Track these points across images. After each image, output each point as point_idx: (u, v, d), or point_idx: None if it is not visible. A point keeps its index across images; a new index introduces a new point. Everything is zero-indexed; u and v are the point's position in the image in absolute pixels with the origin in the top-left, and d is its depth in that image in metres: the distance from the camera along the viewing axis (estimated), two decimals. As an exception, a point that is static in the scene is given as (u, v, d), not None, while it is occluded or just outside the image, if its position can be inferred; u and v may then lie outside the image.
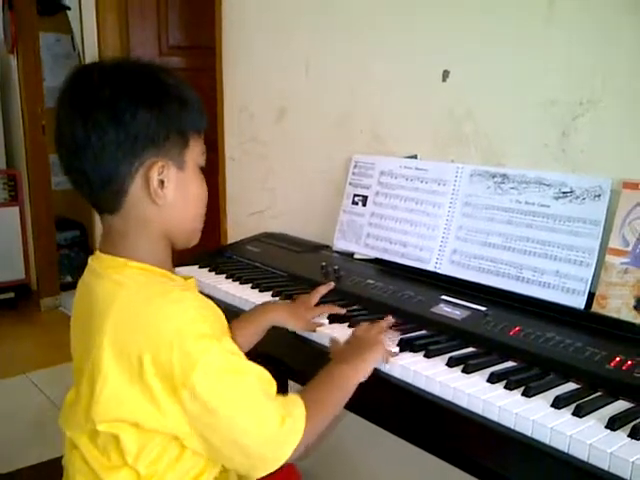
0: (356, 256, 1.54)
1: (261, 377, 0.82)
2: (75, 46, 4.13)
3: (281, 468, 0.86)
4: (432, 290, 1.28)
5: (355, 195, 1.57)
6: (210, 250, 1.71)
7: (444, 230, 1.36)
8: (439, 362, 1.00)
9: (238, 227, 2.15)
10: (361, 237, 1.54)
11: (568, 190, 1.18)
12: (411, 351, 1.04)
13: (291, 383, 1.38)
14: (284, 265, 1.52)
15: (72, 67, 0.85)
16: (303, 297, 1.23)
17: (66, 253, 3.95)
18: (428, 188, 1.42)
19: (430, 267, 1.37)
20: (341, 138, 1.73)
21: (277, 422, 0.80)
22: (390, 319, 1.11)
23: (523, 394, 0.89)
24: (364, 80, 1.65)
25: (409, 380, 0.97)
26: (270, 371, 0.84)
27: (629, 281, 1.07)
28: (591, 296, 1.12)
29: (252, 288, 1.39)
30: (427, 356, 1.02)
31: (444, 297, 1.22)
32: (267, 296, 1.33)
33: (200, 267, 1.59)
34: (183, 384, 0.75)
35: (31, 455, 2.05)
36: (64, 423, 0.88)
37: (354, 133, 1.69)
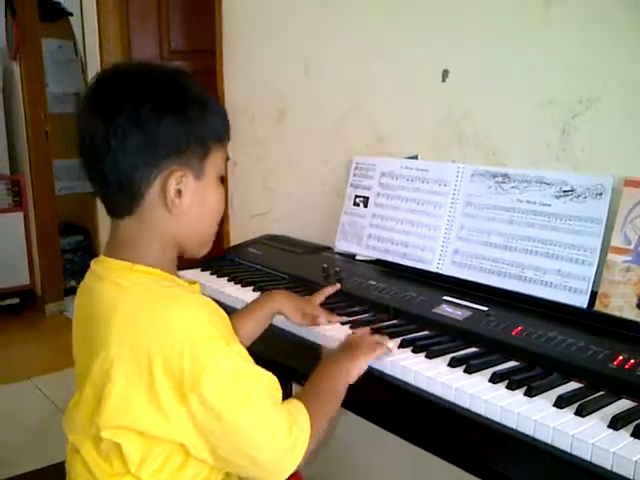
0: (358, 257, 1.54)
1: (270, 383, 0.81)
2: (78, 52, 4.14)
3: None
4: (434, 291, 1.27)
5: (356, 196, 1.57)
6: (212, 254, 1.71)
7: (445, 230, 1.36)
8: (441, 363, 1.00)
9: (240, 230, 2.15)
10: (362, 238, 1.53)
11: (569, 189, 1.17)
12: (413, 352, 1.04)
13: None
14: (286, 267, 1.51)
15: (97, 71, 0.85)
16: (308, 296, 1.24)
17: (70, 258, 3.96)
18: (429, 188, 1.41)
19: (432, 268, 1.37)
20: (342, 139, 1.73)
21: (285, 430, 0.80)
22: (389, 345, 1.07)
23: (525, 394, 0.88)
24: (364, 81, 1.65)
25: (411, 381, 0.97)
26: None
27: (631, 279, 1.06)
28: (593, 295, 1.11)
29: (254, 291, 1.39)
30: (429, 357, 1.01)
31: (446, 297, 1.22)
32: (269, 298, 1.33)
33: (202, 270, 1.59)
34: (192, 388, 0.74)
35: (35, 459, 2.06)
36: (67, 427, 0.88)
37: (355, 134, 1.69)
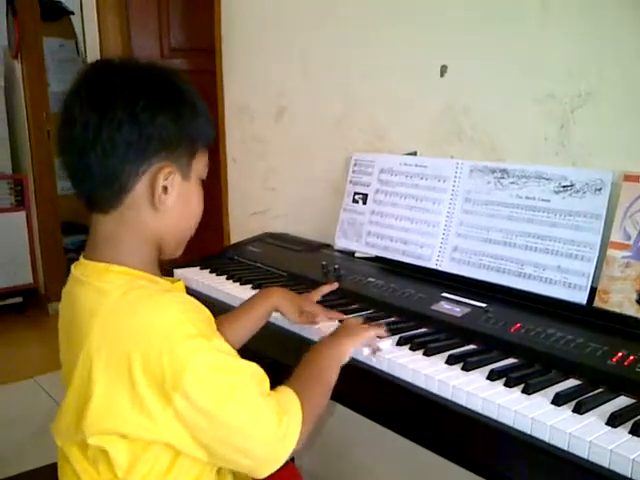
0: (357, 254, 1.53)
1: (255, 375, 0.80)
2: (79, 51, 4.15)
3: (282, 469, 0.85)
4: (433, 287, 1.27)
5: (355, 193, 1.56)
6: (212, 252, 1.71)
7: (445, 227, 1.35)
8: (439, 360, 0.99)
9: (240, 228, 2.14)
10: (362, 235, 1.53)
11: (568, 184, 1.17)
12: (411, 349, 1.03)
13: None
14: (285, 265, 1.51)
15: (83, 67, 0.84)
16: (306, 294, 1.23)
17: (73, 257, 3.94)
18: (428, 185, 1.41)
19: (431, 264, 1.36)
20: (341, 136, 1.72)
21: (275, 420, 0.79)
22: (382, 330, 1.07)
23: (523, 391, 0.87)
24: (362, 78, 1.64)
25: (408, 379, 0.96)
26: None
27: (631, 275, 1.05)
28: (593, 291, 1.10)
29: (253, 289, 1.38)
30: (427, 354, 1.01)
31: (445, 294, 1.21)
32: (267, 296, 1.32)
33: (201, 268, 1.58)
34: (174, 387, 0.73)
35: (38, 458, 2.06)
36: (55, 433, 0.86)
37: (353, 131, 1.68)
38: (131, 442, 0.77)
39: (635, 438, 0.75)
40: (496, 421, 0.84)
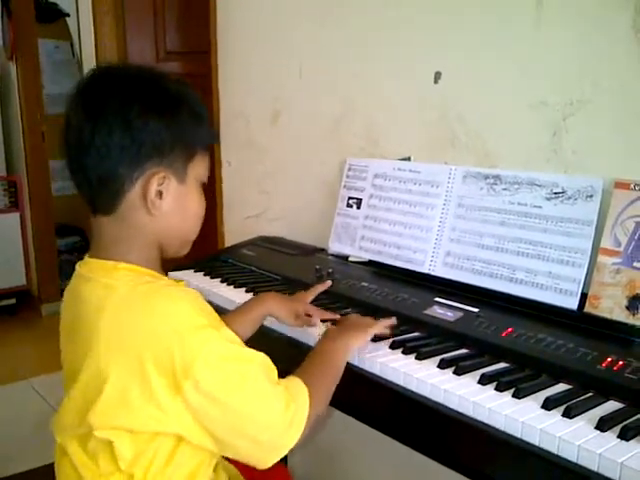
0: (351, 259, 1.54)
1: (263, 363, 0.82)
2: (74, 53, 4.14)
3: (274, 471, 0.86)
4: (426, 292, 1.28)
5: (349, 198, 1.57)
6: (206, 255, 1.72)
7: (437, 232, 1.36)
8: (430, 364, 1.00)
9: (235, 231, 2.15)
10: (355, 240, 1.54)
11: (560, 191, 1.18)
12: (403, 353, 1.04)
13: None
14: (279, 268, 1.52)
15: (79, 71, 0.85)
16: (299, 294, 1.24)
17: (66, 259, 3.96)
18: (421, 190, 1.42)
19: (424, 269, 1.37)
20: (335, 141, 1.73)
21: (282, 407, 0.81)
22: (393, 320, 1.11)
23: (513, 395, 0.88)
24: (357, 83, 1.65)
25: (400, 382, 0.97)
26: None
27: (621, 281, 1.07)
28: (584, 297, 1.11)
29: (247, 292, 1.39)
30: (419, 358, 1.02)
31: (437, 299, 1.22)
32: (261, 300, 1.33)
33: (195, 271, 1.59)
34: (185, 376, 0.74)
35: (31, 460, 2.06)
36: (55, 428, 0.88)
37: (348, 136, 1.69)
38: (137, 435, 0.78)
39: (623, 442, 0.76)
40: (487, 425, 0.85)
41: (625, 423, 0.80)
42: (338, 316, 1.19)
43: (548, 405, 0.85)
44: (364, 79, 1.63)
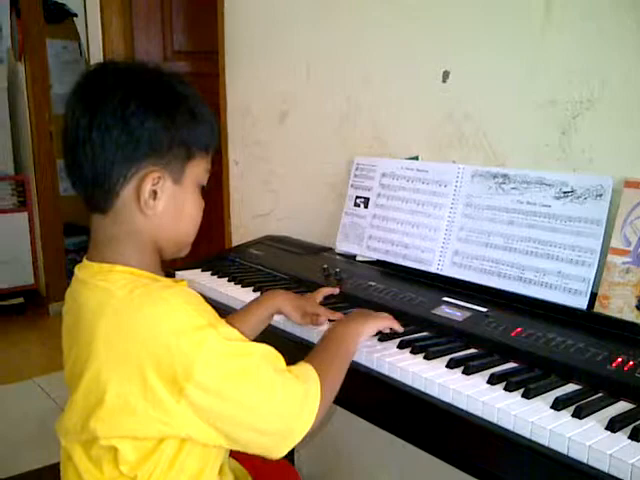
0: (358, 258, 1.53)
1: (266, 354, 0.81)
2: (82, 53, 4.16)
3: (281, 469, 0.85)
4: (434, 292, 1.27)
5: (357, 197, 1.57)
6: (213, 254, 1.72)
7: (446, 231, 1.36)
8: (439, 364, 0.99)
9: (242, 230, 2.15)
10: (363, 239, 1.53)
11: (569, 190, 1.17)
12: (412, 353, 1.04)
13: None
14: (286, 268, 1.52)
15: (85, 68, 0.85)
16: (308, 294, 1.24)
17: (74, 258, 3.97)
18: (429, 189, 1.41)
19: (432, 269, 1.36)
20: (342, 140, 1.73)
21: (292, 395, 0.80)
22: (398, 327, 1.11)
23: (523, 395, 0.88)
24: (365, 82, 1.65)
25: (409, 382, 0.97)
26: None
27: (631, 280, 1.06)
28: (593, 296, 1.11)
29: (254, 291, 1.39)
30: (427, 358, 1.01)
31: (446, 298, 1.22)
32: (269, 299, 1.33)
33: (203, 270, 1.59)
34: (186, 379, 0.74)
35: (37, 459, 2.07)
36: (59, 431, 0.87)
37: (355, 135, 1.69)
38: (141, 441, 0.78)
39: (634, 443, 0.76)
40: (496, 425, 0.84)
41: (636, 424, 0.79)
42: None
43: (558, 405, 0.84)
44: (372, 78, 1.63)
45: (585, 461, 0.75)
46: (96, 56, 2.97)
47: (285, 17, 1.91)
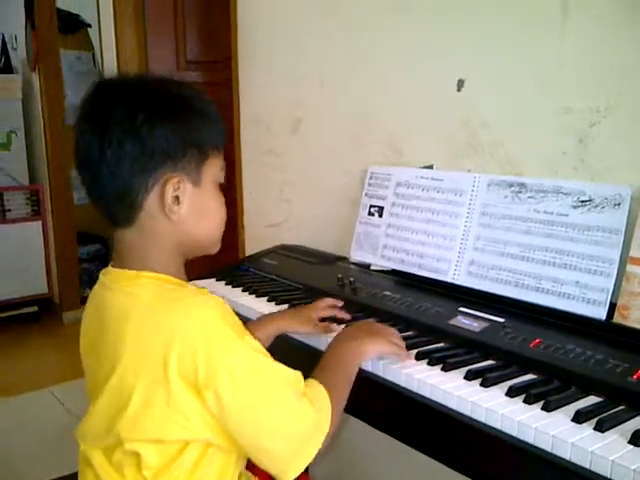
0: (373, 267, 1.53)
1: (287, 378, 0.82)
2: (96, 63, 4.19)
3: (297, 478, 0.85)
4: (450, 302, 1.26)
5: (371, 206, 1.56)
6: (227, 264, 1.72)
7: (461, 241, 1.35)
8: (457, 375, 0.98)
9: (256, 240, 2.15)
10: (377, 248, 1.52)
11: (587, 199, 1.16)
12: (429, 364, 1.03)
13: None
14: (300, 277, 1.51)
15: (92, 82, 0.86)
16: (308, 305, 1.23)
17: (87, 267, 3.99)
18: (445, 198, 1.40)
19: (448, 278, 1.35)
20: (357, 149, 1.72)
21: (305, 423, 0.81)
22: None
23: (543, 408, 0.87)
24: (379, 91, 1.65)
25: (427, 394, 0.95)
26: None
27: (651, 291, 1.04)
28: (612, 307, 1.09)
29: (268, 301, 1.38)
30: (444, 369, 1.00)
31: (462, 309, 1.21)
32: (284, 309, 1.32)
33: (217, 280, 1.59)
34: (206, 386, 0.75)
35: (52, 469, 2.06)
36: (80, 436, 0.87)
37: (370, 144, 1.68)
38: (165, 445, 0.78)
39: (658, 457, 0.74)
40: (516, 438, 0.83)
41: (660, 438, 0.77)
42: (349, 316, 1.19)
43: (579, 418, 0.83)
44: (386, 87, 1.63)
45: (608, 475, 0.74)
46: (110, 67, 3.00)
47: (298, 25, 1.92)
